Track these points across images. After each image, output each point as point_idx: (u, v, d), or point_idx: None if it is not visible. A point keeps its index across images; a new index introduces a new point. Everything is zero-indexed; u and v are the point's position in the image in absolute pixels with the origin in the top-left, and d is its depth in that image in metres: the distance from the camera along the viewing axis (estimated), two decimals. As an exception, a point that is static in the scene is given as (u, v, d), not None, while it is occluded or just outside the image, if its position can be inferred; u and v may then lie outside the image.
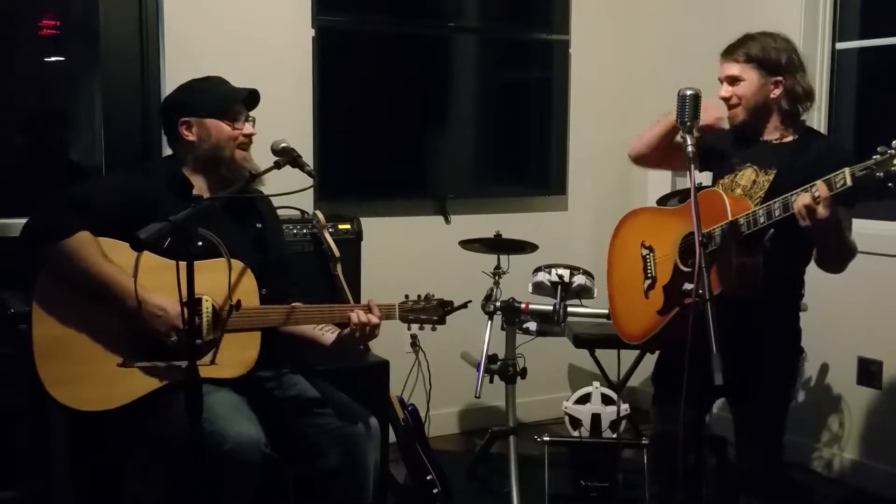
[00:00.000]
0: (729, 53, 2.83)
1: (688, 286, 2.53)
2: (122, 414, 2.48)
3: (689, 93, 2.54)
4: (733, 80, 2.79)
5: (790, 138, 2.78)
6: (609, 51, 4.73)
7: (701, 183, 2.71)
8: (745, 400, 2.73)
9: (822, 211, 2.38)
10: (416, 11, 4.25)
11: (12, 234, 3.31)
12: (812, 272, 3.57)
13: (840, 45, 4.06)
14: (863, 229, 3.87)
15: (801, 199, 2.41)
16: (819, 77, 4.06)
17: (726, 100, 2.82)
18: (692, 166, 2.47)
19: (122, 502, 2.77)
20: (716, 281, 2.50)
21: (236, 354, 2.53)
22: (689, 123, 2.53)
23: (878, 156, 2.27)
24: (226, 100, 2.69)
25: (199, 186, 2.69)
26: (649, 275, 2.83)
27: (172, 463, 2.52)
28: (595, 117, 4.72)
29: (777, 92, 2.76)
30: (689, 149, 2.49)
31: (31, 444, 3.05)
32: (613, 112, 4.75)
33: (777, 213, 2.48)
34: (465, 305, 2.78)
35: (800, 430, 4.05)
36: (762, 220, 2.50)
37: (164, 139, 3.60)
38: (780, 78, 2.76)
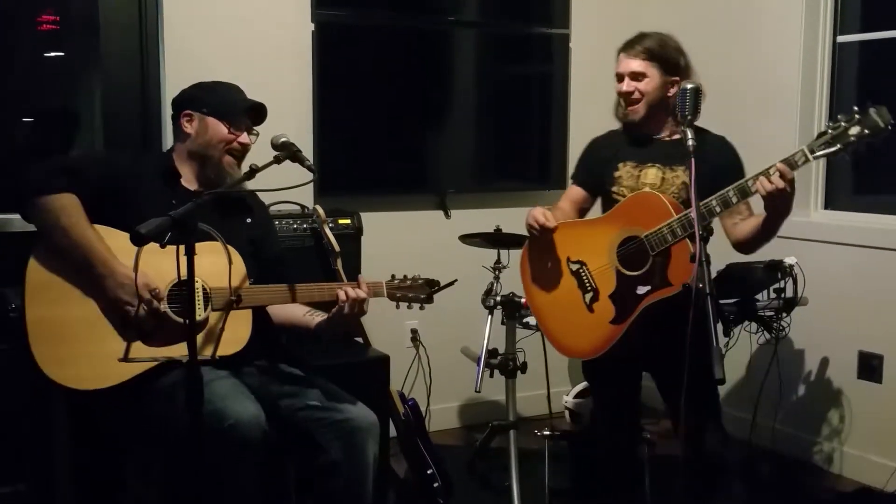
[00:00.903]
0: (630, 48, 2.89)
1: (641, 289, 2.68)
2: (122, 397, 2.49)
3: (689, 87, 2.56)
4: (636, 76, 2.87)
5: (678, 136, 2.76)
6: (609, 45, 4.64)
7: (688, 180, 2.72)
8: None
9: (788, 189, 2.51)
10: (416, 6, 4.25)
11: (12, 230, 3.33)
12: (814, 269, 3.59)
13: (841, 39, 4.05)
14: (863, 223, 3.89)
15: (770, 182, 2.51)
16: (820, 70, 4.06)
17: (628, 94, 2.89)
18: (693, 161, 2.48)
19: (122, 497, 2.78)
20: (679, 275, 2.62)
21: (228, 334, 2.54)
22: (689, 117, 2.55)
23: (830, 130, 2.46)
24: (231, 105, 2.75)
25: (187, 178, 2.75)
26: (589, 288, 2.84)
27: (173, 446, 2.52)
28: (595, 111, 4.65)
29: (673, 91, 2.84)
30: (690, 142, 2.51)
31: (32, 439, 3.05)
32: (613, 106, 4.73)
33: (734, 200, 2.58)
34: (451, 284, 2.81)
35: (800, 425, 4.06)
36: (717, 209, 2.60)
37: (165, 137, 3.67)
38: (676, 78, 2.85)
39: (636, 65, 2.87)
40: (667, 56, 2.86)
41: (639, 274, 2.73)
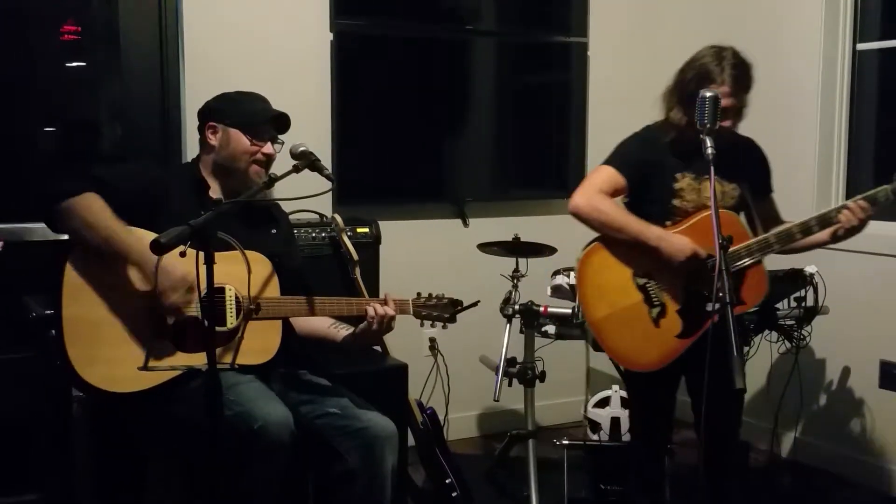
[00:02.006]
0: (745, 88, 2.84)
1: (711, 306, 2.64)
2: (151, 400, 2.49)
3: (708, 94, 2.54)
4: (738, 113, 2.84)
5: (723, 145, 2.73)
6: (627, 53, 4.72)
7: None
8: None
9: (865, 224, 2.71)
10: (434, 15, 4.26)
11: (34, 238, 3.35)
12: (835, 278, 3.56)
13: (861, 46, 4.03)
14: (884, 232, 3.86)
15: (854, 216, 2.70)
16: (840, 78, 4.04)
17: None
18: (712, 170, 2.47)
19: (145, 498, 2.79)
20: (752, 295, 2.78)
21: (258, 343, 2.56)
22: (709, 125, 2.53)
23: None
24: (254, 116, 2.75)
25: (215, 189, 2.76)
26: (656, 303, 2.86)
27: (197, 452, 2.52)
28: (613, 119, 4.68)
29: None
30: (709, 151, 2.50)
31: (53, 445, 3.07)
32: (632, 114, 4.69)
33: (814, 229, 2.73)
34: (474, 304, 2.83)
35: (822, 434, 4.03)
36: (798, 236, 2.76)
37: (185, 145, 3.69)
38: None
39: (741, 101, 2.84)
40: (750, 85, 2.86)
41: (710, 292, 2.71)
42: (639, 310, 2.87)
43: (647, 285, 2.87)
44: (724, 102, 2.65)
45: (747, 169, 2.90)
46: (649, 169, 2.91)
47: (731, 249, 2.70)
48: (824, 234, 2.82)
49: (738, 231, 2.79)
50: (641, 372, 2.96)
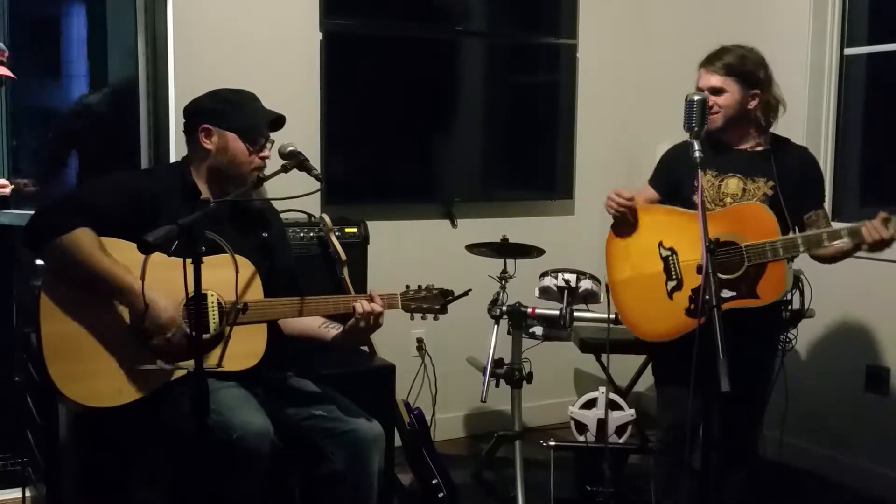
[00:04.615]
0: (710, 63, 2.93)
1: (727, 293, 2.73)
2: (131, 410, 2.48)
3: (696, 98, 2.58)
4: (715, 91, 2.89)
5: (764, 147, 2.94)
6: (616, 55, 4.73)
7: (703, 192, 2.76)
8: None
9: (892, 240, 2.65)
10: (424, 15, 4.26)
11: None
12: (821, 282, 3.58)
13: (848, 51, 4.05)
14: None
15: (878, 233, 2.63)
16: (827, 83, 4.06)
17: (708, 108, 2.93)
18: (699, 172, 2.50)
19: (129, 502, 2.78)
20: (768, 290, 2.77)
21: (244, 347, 2.54)
22: (696, 129, 2.56)
23: None
24: (252, 120, 2.67)
25: (207, 192, 2.70)
26: (674, 276, 2.89)
27: (180, 458, 2.52)
28: (602, 121, 4.71)
29: (754, 104, 2.91)
30: (697, 154, 2.53)
31: (39, 444, 3.06)
32: (620, 116, 4.75)
33: (844, 236, 2.68)
34: (465, 293, 2.80)
35: (808, 437, 4.04)
36: (826, 242, 2.72)
37: (173, 146, 3.68)
38: (757, 91, 2.90)
39: (715, 80, 2.90)
40: (746, 70, 2.90)
41: (728, 278, 2.76)
42: (657, 280, 2.91)
43: (669, 258, 2.90)
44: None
45: (787, 173, 2.88)
46: (678, 173, 3.00)
47: (754, 243, 2.74)
48: (850, 244, 2.76)
49: (768, 228, 2.76)
50: (662, 360, 3.05)
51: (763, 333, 2.97)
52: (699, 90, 2.92)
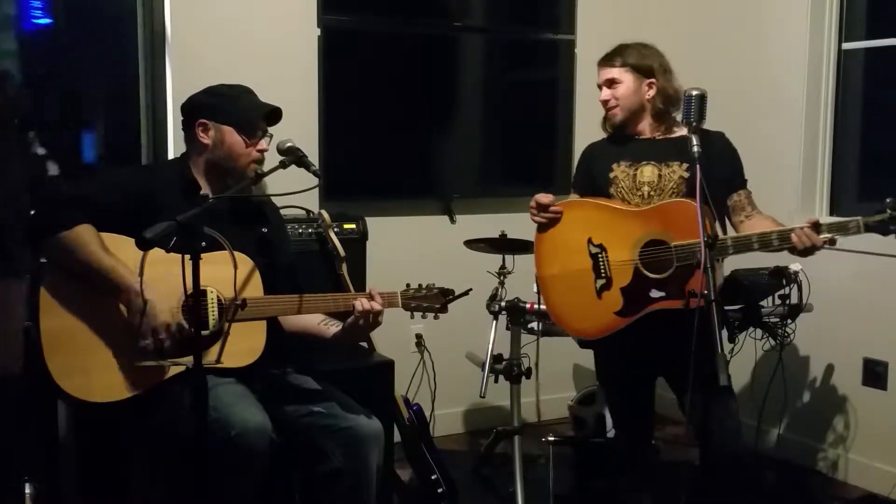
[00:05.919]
0: (606, 60, 3.02)
1: (656, 293, 2.73)
2: (129, 407, 2.48)
3: (695, 93, 2.60)
4: (611, 83, 2.98)
5: (675, 134, 2.94)
6: (615, 50, 4.72)
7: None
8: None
9: (824, 248, 2.60)
10: (422, 11, 4.25)
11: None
12: (819, 276, 3.58)
13: (846, 46, 4.05)
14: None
15: (809, 239, 2.56)
16: (825, 77, 4.06)
17: (605, 103, 3.02)
18: (698, 167, 2.50)
19: (128, 499, 2.78)
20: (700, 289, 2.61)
21: (243, 344, 2.54)
22: (694, 123, 2.57)
23: (890, 210, 2.53)
24: (247, 113, 2.69)
25: (207, 187, 2.71)
26: (603, 274, 2.86)
27: (179, 455, 2.52)
28: (600, 117, 4.67)
29: (651, 93, 2.94)
30: (695, 149, 2.54)
31: (39, 441, 3.06)
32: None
33: (775, 243, 2.62)
34: (466, 293, 2.80)
35: (805, 431, 4.05)
36: (756, 245, 2.64)
37: (171, 142, 3.68)
38: (652, 80, 2.94)
39: (610, 73, 2.98)
40: (639, 61, 2.95)
41: (658, 278, 2.74)
42: (586, 277, 2.88)
43: (599, 255, 2.88)
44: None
45: (703, 156, 2.67)
46: (597, 169, 3.04)
47: (684, 243, 2.67)
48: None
49: (696, 225, 2.54)
50: (604, 368, 3.07)
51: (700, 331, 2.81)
52: (598, 86, 3.02)
